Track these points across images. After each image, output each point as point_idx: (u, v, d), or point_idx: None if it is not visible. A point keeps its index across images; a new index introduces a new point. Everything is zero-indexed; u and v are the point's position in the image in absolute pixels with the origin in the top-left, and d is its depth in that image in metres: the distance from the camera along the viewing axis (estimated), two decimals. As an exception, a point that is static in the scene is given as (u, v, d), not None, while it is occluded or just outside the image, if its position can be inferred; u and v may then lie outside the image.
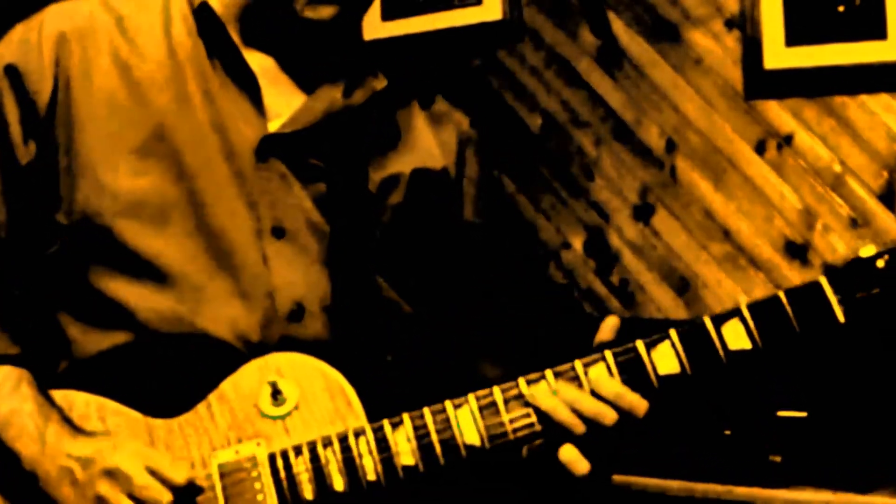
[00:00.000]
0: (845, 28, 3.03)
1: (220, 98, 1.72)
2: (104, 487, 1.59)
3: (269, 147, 1.73)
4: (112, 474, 1.59)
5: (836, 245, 3.10)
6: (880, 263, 1.61)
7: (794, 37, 3.11)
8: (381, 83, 1.81)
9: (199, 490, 1.63)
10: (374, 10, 3.75)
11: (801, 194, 3.15)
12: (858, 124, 3.07)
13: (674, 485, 2.77)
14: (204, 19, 1.75)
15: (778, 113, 3.18)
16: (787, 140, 3.17)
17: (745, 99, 3.23)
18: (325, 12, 1.69)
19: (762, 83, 3.18)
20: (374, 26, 3.75)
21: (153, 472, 1.59)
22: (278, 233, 1.72)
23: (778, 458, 2.70)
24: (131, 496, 1.58)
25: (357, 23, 1.79)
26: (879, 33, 2.99)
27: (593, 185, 3.48)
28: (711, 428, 2.81)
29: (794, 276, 3.15)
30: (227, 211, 1.70)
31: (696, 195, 3.32)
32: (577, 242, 3.52)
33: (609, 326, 1.70)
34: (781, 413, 2.75)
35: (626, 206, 3.43)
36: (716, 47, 3.27)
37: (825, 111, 3.12)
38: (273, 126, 1.74)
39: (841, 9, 3.04)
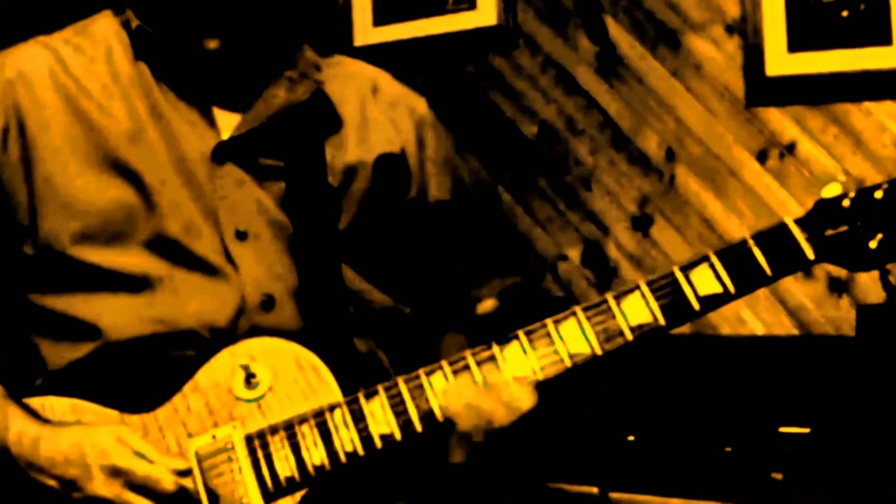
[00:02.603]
0: (849, 33, 3.06)
1: (169, 115, 1.83)
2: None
3: (224, 153, 1.82)
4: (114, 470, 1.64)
5: (840, 256, 3.11)
6: (846, 203, 1.68)
7: (797, 42, 3.14)
8: (323, 76, 1.92)
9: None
10: (366, 15, 3.77)
11: (803, 204, 3.16)
12: (863, 132, 3.09)
13: (673, 502, 2.78)
14: (142, 41, 1.86)
15: (780, 121, 3.21)
16: (789, 148, 3.19)
17: (746, 106, 3.26)
18: (212, 44, 1.81)
19: (764, 90, 3.21)
20: (366, 32, 3.78)
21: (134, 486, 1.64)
22: (241, 236, 1.80)
23: (780, 476, 2.70)
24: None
25: (256, 50, 1.87)
26: (884, 39, 3.01)
27: (591, 195, 3.51)
28: (712, 444, 2.82)
29: (797, 287, 3.17)
30: (187, 220, 1.79)
31: (696, 205, 3.34)
32: (575, 254, 3.54)
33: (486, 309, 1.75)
34: (783, 429, 2.76)
35: (625, 216, 3.46)
36: (716, 53, 3.30)
37: (829, 119, 3.14)
38: (226, 135, 1.84)
39: (845, 14, 3.06)
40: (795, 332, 3.18)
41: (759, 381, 2.98)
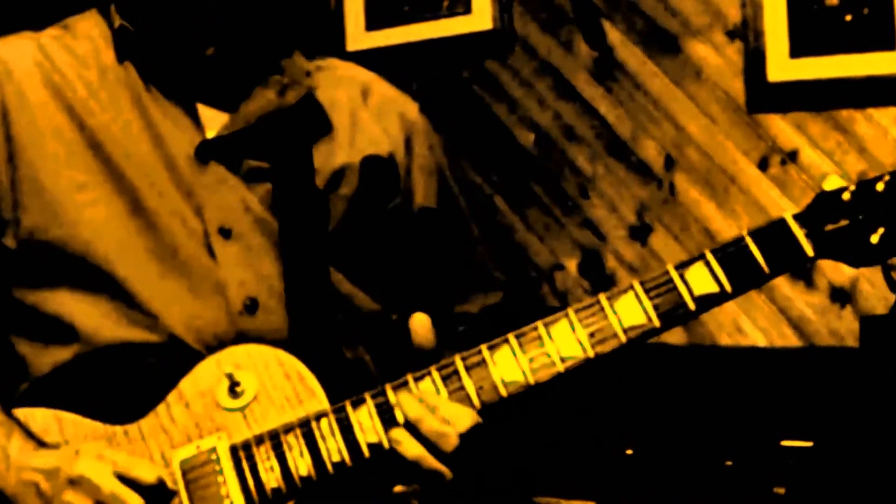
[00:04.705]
0: (852, 38, 3.06)
1: (155, 114, 1.84)
2: (70, 496, 1.62)
3: (208, 152, 1.83)
4: (78, 483, 1.62)
5: (843, 266, 3.10)
6: (846, 196, 1.66)
7: (799, 47, 3.14)
8: (314, 81, 1.93)
9: (167, 489, 1.66)
10: (358, 19, 3.77)
11: (806, 212, 3.16)
12: (866, 139, 3.09)
13: (673, 518, 2.78)
14: (126, 41, 1.87)
15: (782, 127, 3.21)
16: (791, 156, 3.19)
17: (747, 113, 3.26)
18: (209, 51, 1.83)
19: (765, 96, 3.21)
20: (358, 36, 3.78)
21: (122, 477, 1.62)
22: (225, 233, 1.80)
23: (782, 490, 2.70)
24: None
25: (249, 55, 1.89)
26: (888, 44, 3.01)
27: (588, 204, 3.51)
28: (712, 458, 2.81)
29: (799, 297, 3.16)
30: (173, 217, 1.79)
31: (696, 214, 3.34)
32: (572, 264, 3.54)
33: (421, 327, 1.73)
34: (785, 442, 2.76)
35: (623, 225, 3.46)
36: (717, 59, 3.30)
37: (831, 125, 3.14)
38: (210, 134, 1.84)
39: (848, 18, 3.06)
40: (797, 343, 3.18)
41: (760, 394, 2.98)
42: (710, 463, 2.81)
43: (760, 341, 3.22)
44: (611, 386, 2.97)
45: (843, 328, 3.11)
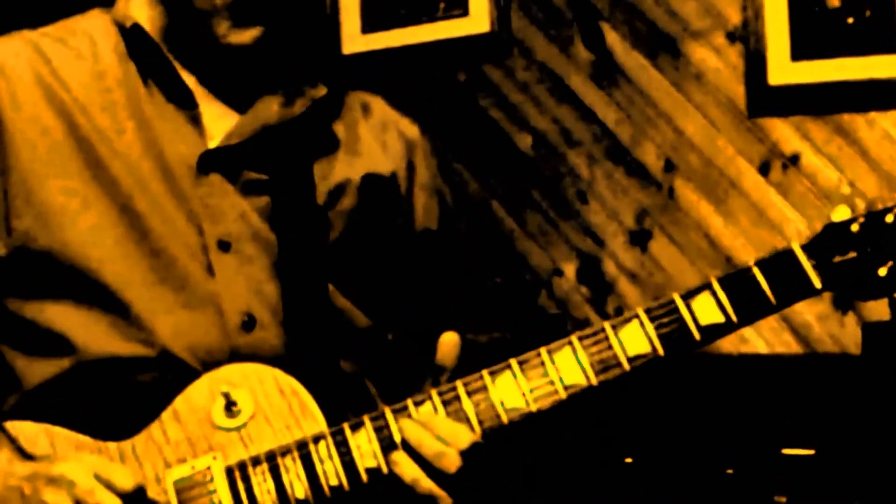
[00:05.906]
0: (855, 41, 3.05)
1: (155, 120, 1.81)
2: (49, 495, 1.61)
3: (209, 162, 1.80)
4: (56, 481, 1.61)
5: (846, 271, 3.10)
6: (854, 228, 1.66)
7: (800, 50, 3.13)
8: (319, 92, 1.91)
9: (147, 499, 1.65)
10: (354, 22, 3.76)
11: (807, 218, 3.16)
12: (868, 143, 3.08)
13: (673, 527, 2.78)
14: (136, 41, 1.85)
15: (783, 131, 3.20)
16: (792, 160, 3.18)
17: (748, 116, 3.25)
18: (249, 36, 1.79)
19: (766, 99, 3.20)
20: (354, 39, 3.76)
21: (100, 479, 1.61)
22: (224, 246, 1.79)
23: (783, 499, 2.69)
24: (77, 503, 1.60)
25: (286, 41, 1.85)
26: (891, 46, 3.01)
27: (587, 209, 3.50)
28: (713, 466, 2.81)
29: (801, 304, 3.12)
30: (169, 229, 1.77)
31: (696, 219, 3.33)
32: (570, 269, 3.53)
33: (449, 345, 1.72)
34: (787, 450, 2.75)
35: (622, 230, 3.44)
36: (717, 62, 3.29)
37: (833, 129, 3.13)
38: (213, 143, 1.82)
39: (850, 20, 3.05)
40: (799, 350, 3.17)
41: (761, 401, 2.97)
42: (711, 471, 2.81)
43: (762, 348, 3.21)
44: (609, 393, 2.96)
45: (846, 335, 3.10)
